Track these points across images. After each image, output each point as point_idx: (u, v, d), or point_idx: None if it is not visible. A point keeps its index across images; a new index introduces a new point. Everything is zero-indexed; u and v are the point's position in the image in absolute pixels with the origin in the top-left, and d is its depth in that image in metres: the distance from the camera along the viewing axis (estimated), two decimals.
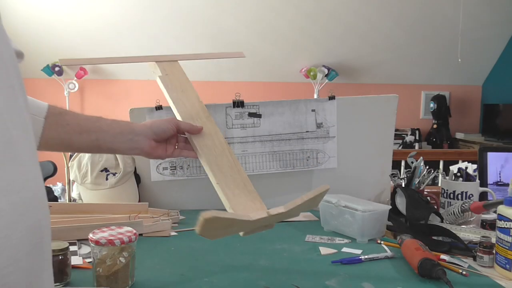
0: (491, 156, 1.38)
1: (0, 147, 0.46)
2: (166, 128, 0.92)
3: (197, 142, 0.94)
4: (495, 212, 0.99)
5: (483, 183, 1.35)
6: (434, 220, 1.19)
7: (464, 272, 0.86)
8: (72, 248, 0.91)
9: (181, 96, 1.01)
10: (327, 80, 4.34)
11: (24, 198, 0.49)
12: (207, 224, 0.64)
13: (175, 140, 0.97)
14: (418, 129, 4.58)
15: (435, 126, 4.49)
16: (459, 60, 3.95)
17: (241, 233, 0.79)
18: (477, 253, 0.93)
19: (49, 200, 1.43)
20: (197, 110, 1.00)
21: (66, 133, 0.85)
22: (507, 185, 1.27)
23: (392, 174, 1.38)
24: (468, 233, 1.08)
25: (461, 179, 1.26)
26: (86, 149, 0.90)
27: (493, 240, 0.92)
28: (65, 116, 0.86)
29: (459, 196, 1.23)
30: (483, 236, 0.95)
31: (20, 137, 0.51)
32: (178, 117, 0.98)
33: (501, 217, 0.88)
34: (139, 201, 1.33)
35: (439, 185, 1.44)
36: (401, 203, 1.20)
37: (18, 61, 0.59)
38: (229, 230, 0.76)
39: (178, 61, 1.09)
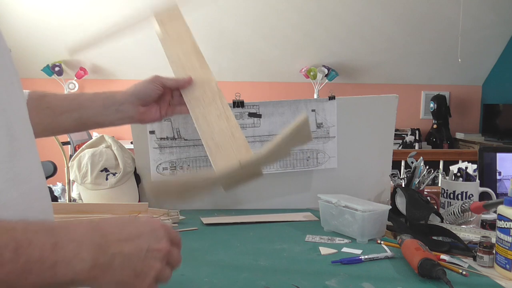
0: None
1: (5, 141, 0.47)
2: (150, 90, 0.87)
3: (186, 96, 0.89)
4: (495, 212, 0.99)
5: (483, 183, 1.35)
6: (434, 220, 1.19)
7: (464, 272, 0.86)
8: None
9: (176, 48, 0.95)
10: (327, 80, 4.34)
11: (31, 188, 0.51)
12: (155, 192, 0.60)
13: (168, 97, 0.91)
14: (418, 129, 4.58)
15: (435, 126, 4.49)
16: (459, 60, 3.95)
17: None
18: (477, 253, 0.93)
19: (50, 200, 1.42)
20: (190, 57, 0.93)
21: (47, 117, 0.81)
22: None
23: (392, 174, 1.38)
24: (468, 233, 1.08)
25: (461, 179, 1.26)
26: (71, 128, 0.86)
27: (493, 240, 0.92)
28: (44, 98, 0.83)
29: (459, 196, 1.23)
30: (483, 236, 0.94)
31: (22, 131, 0.52)
32: (173, 73, 0.92)
33: (501, 217, 0.88)
34: (139, 201, 1.33)
35: (439, 185, 1.44)
36: (401, 203, 1.20)
37: None
38: (199, 190, 0.72)
39: (179, 10, 1.00)
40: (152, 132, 1.30)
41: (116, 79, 4.37)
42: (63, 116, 0.82)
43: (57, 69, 4.04)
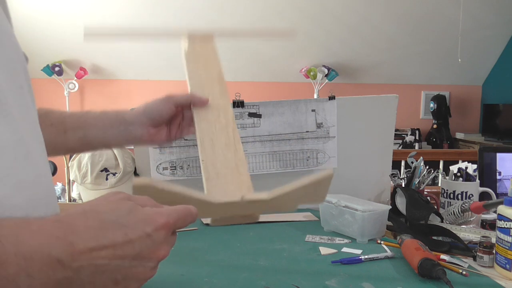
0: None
1: (11, 146, 0.47)
2: (162, 110, 0.80)
3: (198, 115, 0.81)
4: (495, 212, 0.99)
5: (483, 183, 1.35)
6: (434, 220, 1.19)
7: (464, 272, 0.86)
8: None
9: (199, 69, 0.88)
10: (327, 80, 4.34)
11: (37, 194, 0.50)
12: (138, 190, 0.51)
13: (179, 118, 0.85)
14: (418, 129, 4.58)
15: (435, 126, 4.49)
16: (459, 60, 3.95)
17: (208, 221, 0.67)
18: (477, 253, 0.93)
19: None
20: (213, 83, 0.86)
21: (49, 134, 0.75)
22: None
23: (392, 174, 1.38)
24: (468, 233, 1.08)
25: (461, 179, 1.26)
26: (76, 148, 0.81)
27: (493, 240, 0.92)
28: (50, 115, 0.78)
29: (459, 196, 1.23)
30: (483, 236, 0.94)
31: (30, 135, 0.51)
32: (189, 89, 0.84)
33: (501, 217, 0.88)
34: None
35: (439, 185, 1.44)
36: (401, 203, 1.20)
37: None
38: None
39: (213, 37, 0.94)
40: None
41: (116, 79, 4.37)
42: (67, 134, 0.77)
43: (57, 69, 4.04)
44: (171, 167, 1.33)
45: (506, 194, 0.91)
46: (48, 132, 0.74)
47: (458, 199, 1.23)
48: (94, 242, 0.38)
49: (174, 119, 0.84)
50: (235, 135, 0.80)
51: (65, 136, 0.77)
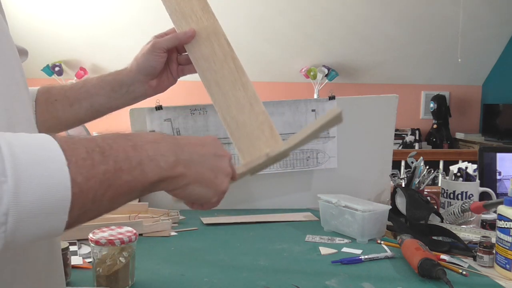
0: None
1: None
2: (154, 62, 0.79)
3: (193, 54, 0.76)
4: (495, 212, 0.99)
5: (483, 183, 1.35)
6: (434, 220, 1.19)
7: (464, 272, 0.86)
8: (72, 248, 0.91)
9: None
10: (327, 80, 4.34)
11: None
12: None
13: (174, 56, 0.83)
14: (418, 129, 4.58)
15: (435, 126, 4.48)
16: (459, 60, 3.94)
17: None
18: (477, 253, 0.93)
19: None
20: (191, 3, 0.79)
21: (57, 110, 0.78)
22: None
23: (392, 174, 1.38)
24: (468, 233, 1.08)
25: (461, 179, 1.26)
26: (86, 118, 0.82)
27: (493, 240, 0.92)
28: (51, 92, 0.80)
29: (459, 196, 1.23)
30: (483, 236, 0.94)
31: (26, 131, 0.51)
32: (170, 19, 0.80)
33: (501, 217, 0.88)
34: (139, 201, 1.33)
35: (439, 185, 1.44)
36: (401, 203, 1.20)
37: (23, 59, 0.60)
38: None
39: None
40: (152, 132, 1.30)
41: None
42: (74, 107, 0.78)
43: (57, 69, 4.04)
44: None
45: (506, 194, 0.91)
46: (55, 108, 0.76)
47: (458, 199, 1.23)
48: (188, 140, 0.50)
49: (170, 60, 0.82)
50: (237, 65, 0.77)
51: (72, 109, 0.78)
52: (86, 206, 0.40)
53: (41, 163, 0.36)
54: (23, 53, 0.63)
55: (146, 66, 0.79)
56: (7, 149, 0.35)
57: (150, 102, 1.32)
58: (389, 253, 0.97)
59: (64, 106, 0.78)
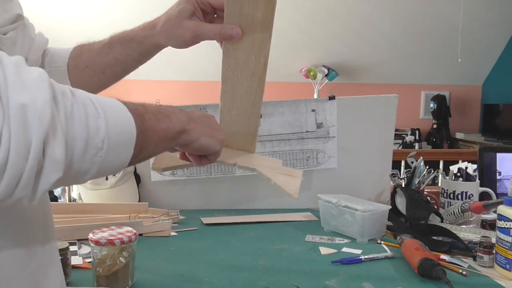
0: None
1: None
2: (185, 42, 0.73)
3: (227, 48, 0.71)
4: (495, 212, 0.99)
5: (483, 183, 1.35)
6: (434, 220, 1.19)
7: (464, 272, 0.86)
8: (72, 248, 0.91)
9: None
10: (327, 80, 4.34)
11: None
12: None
13: (208, 19, 0.75)
14: (418, 129, 4.58)
15: (435, 126, 4.48)
16: (459, 60, 3.94)
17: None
18: (477, 253, 0.93)
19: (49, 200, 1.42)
20: (256, 7, 0.68)
21: (91, 76, 0.77)
22: None
23: (392, 174, 1.38)
24: (468, 233, 1.08)
25: (461, 179, 1.26)
26: (120, 78, 0.82)
27: (493, 240, 0.92)
28: (81, 56, 0.78)
29: (459, 196, 1.23)
30: (483, 236, 0.94)
31: None
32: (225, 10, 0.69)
33: (501, 217, 0.88)
34: (139, 201, 1.33)
35: (439, 185, 1.44)
36: (401, 203, 1.20)
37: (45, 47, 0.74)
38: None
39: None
40: None
41: None
42: (106, 73, 0.78)
43: None
44: None
45: (506, 194, 0.91)
46: (88, 74, 0.78)
47: (458, 199, 1.23)
48: (191, 111, 0.63)
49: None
50: (260, 86, 0.78)
51: (105, 74, 0.79)
52: (143, 144, 0.49)
53: (115, 107, 0.46)
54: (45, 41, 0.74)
55: (177, 43, 0.74)
56: (93, 97, 0.44)
57: (150, 102, 1.32)
58: (389, 253, 0.97)
59: (95, 72, 0.78)
